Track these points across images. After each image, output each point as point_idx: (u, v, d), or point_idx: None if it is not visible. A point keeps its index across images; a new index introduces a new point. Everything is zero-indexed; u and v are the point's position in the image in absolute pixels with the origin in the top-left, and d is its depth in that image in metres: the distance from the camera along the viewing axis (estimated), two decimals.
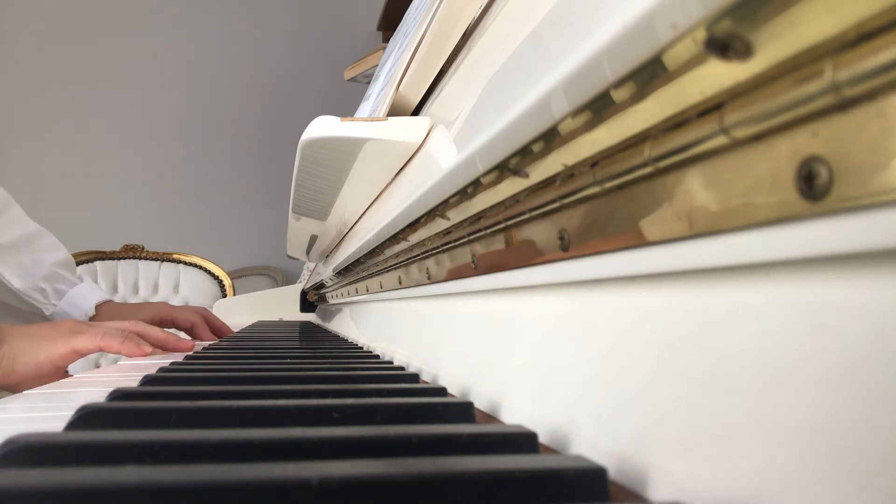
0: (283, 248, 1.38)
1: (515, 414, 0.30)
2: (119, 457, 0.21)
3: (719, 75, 0.15)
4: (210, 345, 0.80)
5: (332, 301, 1.22)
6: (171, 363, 0.50)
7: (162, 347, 0.75)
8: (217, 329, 1.01)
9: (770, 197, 0.15)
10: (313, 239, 1.10)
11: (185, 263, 2.21)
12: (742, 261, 0.16)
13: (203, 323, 0.97)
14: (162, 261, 2.20)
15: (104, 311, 1.00)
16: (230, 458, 0.21)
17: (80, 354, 0.71)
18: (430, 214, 0.40)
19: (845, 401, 0.13)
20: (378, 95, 0.72)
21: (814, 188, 0.13)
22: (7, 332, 0.71)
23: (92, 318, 0.97)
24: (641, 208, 0.20)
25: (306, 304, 1.59)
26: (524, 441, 0.23)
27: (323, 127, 0.58)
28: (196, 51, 2.99)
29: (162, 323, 0.97)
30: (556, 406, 0.26)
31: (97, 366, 1.85)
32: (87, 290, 0.99)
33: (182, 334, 0.97)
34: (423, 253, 0.47)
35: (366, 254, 0.66)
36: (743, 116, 0.15)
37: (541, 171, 0.25)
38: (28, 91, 2.83)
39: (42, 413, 0.37)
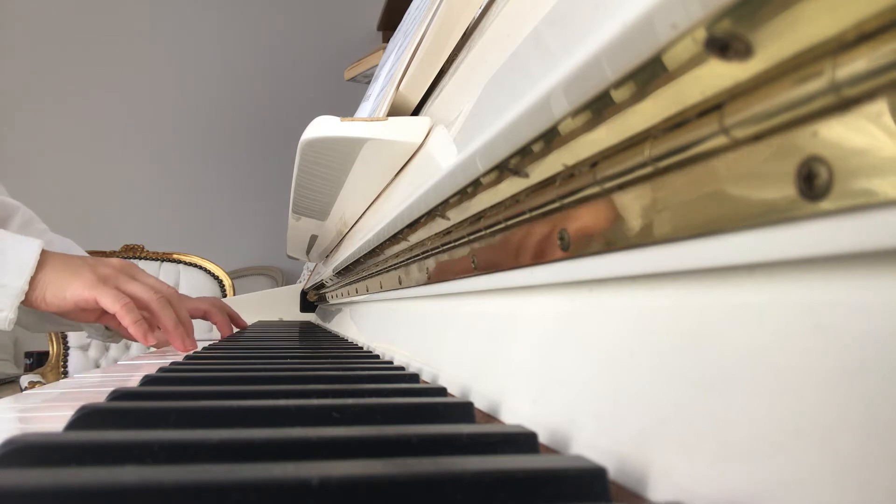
0: (283, 248, 1.38)
1: (515, 414, 0.30)
2: (119, 457, 0.21)
3: (719, 75, 0.15)
4: (210, 345, 0.80)
5: (332, 301, 1.22)
6: (172, 363, 0.50)
7: (171, 333, 0.77)
8: (233, 318, 0.99)
9: (770, 197, 0.15)
10: (313, 239, 1.10)
11: (185, 263, 2.21)
12: (742, 261, 0.16)
13: (215, 309, 0.96)
14: (162, 261, 2.20)
15: None
16: (230, 458, 0.21)
17: (100, 305, 0.74)
18: (430, 214, 0.40)
19: (845, 401, 0.13)
20: (378, 95, 0.72)
21: (814, 188, 0.13)
22: (48, 260, 0.75)
23: None
24: (641, 208, 0.20)
25: (306, 304, 1.59)
26: (524, 441, 0.23)
27: (323, 127, 0.58)
28: (196, 51, 2.99)
29: None
30: (556, 406, 0.26)
31: (97, 366, 1.85)
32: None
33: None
34: (423, 253, 0.47)
35: (366, 254, 0.66)
36: (743, 116, 0.15)
37: (541, 171, 0.25)
38: (28, 91, 2.83)
39: (42, 413, 0.37)
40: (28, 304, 0.75)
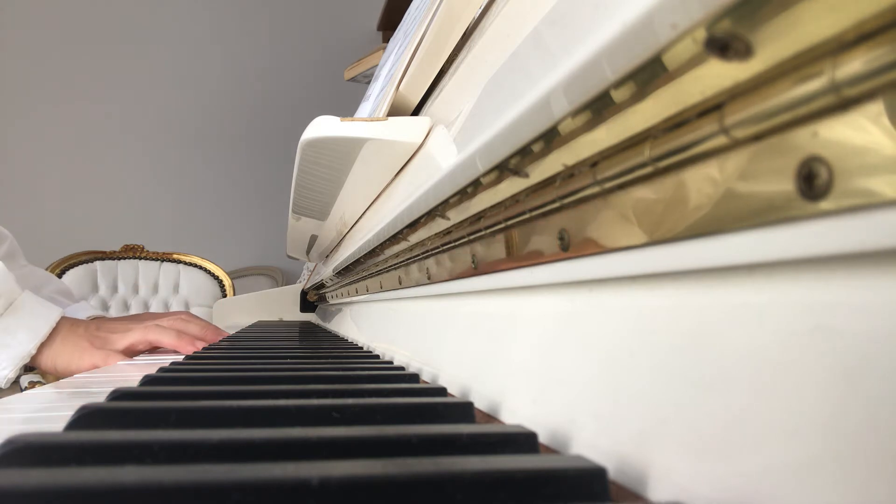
0: (283, 248, 1.38)
1: (515, 414, 0.30)
2: (119, 457, 0.21)
3: (719, 75, 0.15)
4: (210, 345, 0.80)
5: (332, 301, 1.22)
6: (172, 363, 0.50)
7: (197, 336, 0.84)
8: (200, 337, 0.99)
9: (770, 197, 0.15)
10: (313, 239, 1.10)
11: (185, 263, 2.21)
12: (742, 261, 0.16)
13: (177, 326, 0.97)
14: (162, 261, 2.20)
15: None
16: (230, 458, 0.21)
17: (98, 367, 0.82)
18: (430, 214, 0.40)
19: (845, 401, 0.13)
20: (378, 95, 0.72)
21: (814, 188, 0.13)
22: (59, 330, 0.82)
23: None
24: (641, 208, 0.20)
25: (306, 304, 1.59)
26: (524, 441, 0.23)
27: (323, 127, 0.58)
28: (196, 51, 2.99)
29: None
30: (556, 406, 0.26)
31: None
32: (79, 309, 1.07)
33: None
34: (423, 253, 0.47)
35: (366, 254, 0.66)
36: (743, 116, 0.15)
37: (541, 171, 0.25)
38: (28, 91, 2.83)
39: (43, 413, 0.37)
40: (34, 365, 0.82)
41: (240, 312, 1.61)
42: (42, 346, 0.80)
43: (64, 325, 0.83)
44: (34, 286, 1.05)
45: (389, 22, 2.64)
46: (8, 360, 0.79)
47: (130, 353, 0.83)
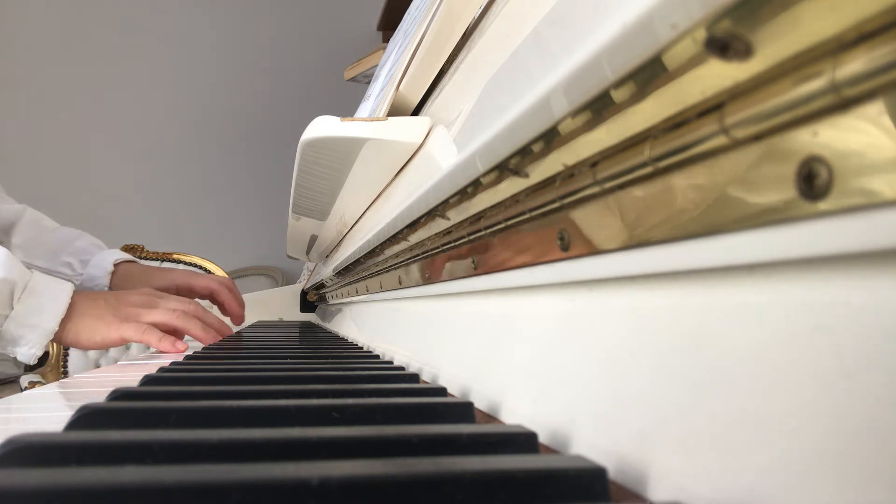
0: (283, 248, 1.38)
1: (515, 414, 0.30)
2: (119, 457, 0.21)
3: (719, 75, 0.15)
4: (210, 345, 0.80)
5: (332, 301, 1.22)
6: (172, 363, 0.50)
7: (217, 330, 0.86)
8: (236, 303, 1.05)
9: (770, 197, 0.15)
10: (313, 239, 1.10)
11: (185, 263, 2.21)
12: (742, 261, 0.16)
13: (224, 289, 1.02)
14: (162, 261, 2.20)
15: (121, 270, 1.08)
16: (230, 458, 0.21)
17: (128, 341, 0.83)
18: (430, 214, 0.40)
19: (845, 401, 0.13)
20: (378, 95, 0.72)
21: (814, 188, 0.13)
22: (75, 309, 0.84)
23: (112, 277, 1.06)
24: (641, 208, 0.20)
25: (306, 304, 1.59)
26: (524, 441, 0.23)
27: (323, 127, 0.58)
28: (196, 50, 2.99)
29: (178, 292, 1.02)
30: (556, 406, 0.26)
31: (97, 365, 1.85)
32: (109, 253, 1.09)
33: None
34: (423, 253, 0.47)
35: (366, 254, 0.66)
36: (743, 116, 0.15)
37: (541, 171, 0.25)
38: (28, 91, 2.83)
39: (43, 413, 0.37)
40: (58, 342, 0.83)
41: None
42: (63, 322, 0.82)
43: (79, 298, 0.84)
44: (67, 242, 1.10)
45: (389, 22, 2.63)
46: (36, 338, 0.81)
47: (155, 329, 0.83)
